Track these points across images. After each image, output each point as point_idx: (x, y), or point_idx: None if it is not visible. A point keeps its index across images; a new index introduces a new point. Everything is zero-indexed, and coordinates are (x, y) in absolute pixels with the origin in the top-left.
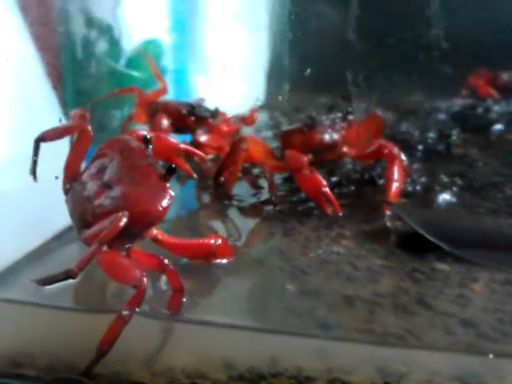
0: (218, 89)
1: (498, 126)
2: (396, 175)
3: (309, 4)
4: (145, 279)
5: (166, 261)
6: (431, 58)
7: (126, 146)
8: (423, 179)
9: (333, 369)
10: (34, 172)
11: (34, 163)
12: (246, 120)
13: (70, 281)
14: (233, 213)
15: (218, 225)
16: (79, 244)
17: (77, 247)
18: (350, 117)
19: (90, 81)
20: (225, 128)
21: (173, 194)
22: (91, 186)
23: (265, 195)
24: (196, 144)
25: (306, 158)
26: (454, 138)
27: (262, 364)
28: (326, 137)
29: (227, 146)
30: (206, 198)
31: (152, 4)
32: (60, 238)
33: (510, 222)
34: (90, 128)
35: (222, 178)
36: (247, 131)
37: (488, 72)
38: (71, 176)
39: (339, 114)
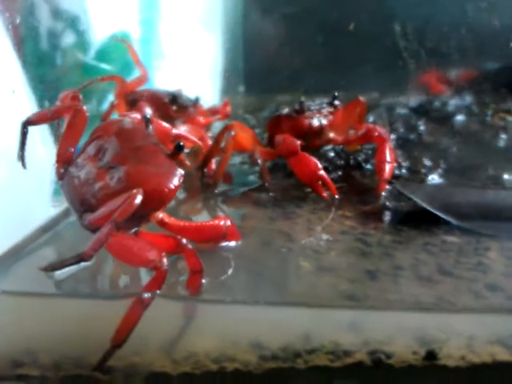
0: (179, 86)
1: (460, 117)
2: (388, 156)
3: (261, 8)
4: (165, 259)
5: (184, 240)
6: (384, 57)
7: (123, 127)
8: (406, 163)
9: (369, 341)
10: (22, 158)
11: (22, 149)
12: (220, 113)
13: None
14: (225, 201)
15: (213, 213)
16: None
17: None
18: (337, 102)
19: (56, 73)
20: (202, 120)
21: (182, 172)
22: (90, 169)
23: (247, 184)
24: None
25: (299, 142)
26: (422, 128)
27: (295, 341)
28: (315, 122)
29: (207, 138)
30: (191, 190)
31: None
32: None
33: None
34: (85, 108)
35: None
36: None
37: (437, 70)
38: (65, 159)
39: (325, 100)
